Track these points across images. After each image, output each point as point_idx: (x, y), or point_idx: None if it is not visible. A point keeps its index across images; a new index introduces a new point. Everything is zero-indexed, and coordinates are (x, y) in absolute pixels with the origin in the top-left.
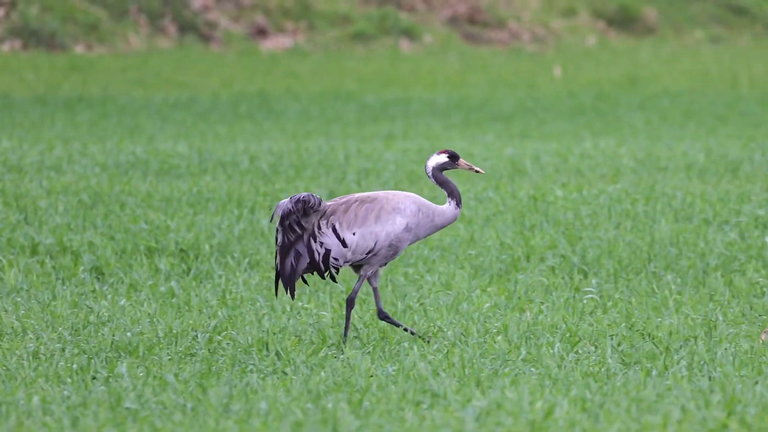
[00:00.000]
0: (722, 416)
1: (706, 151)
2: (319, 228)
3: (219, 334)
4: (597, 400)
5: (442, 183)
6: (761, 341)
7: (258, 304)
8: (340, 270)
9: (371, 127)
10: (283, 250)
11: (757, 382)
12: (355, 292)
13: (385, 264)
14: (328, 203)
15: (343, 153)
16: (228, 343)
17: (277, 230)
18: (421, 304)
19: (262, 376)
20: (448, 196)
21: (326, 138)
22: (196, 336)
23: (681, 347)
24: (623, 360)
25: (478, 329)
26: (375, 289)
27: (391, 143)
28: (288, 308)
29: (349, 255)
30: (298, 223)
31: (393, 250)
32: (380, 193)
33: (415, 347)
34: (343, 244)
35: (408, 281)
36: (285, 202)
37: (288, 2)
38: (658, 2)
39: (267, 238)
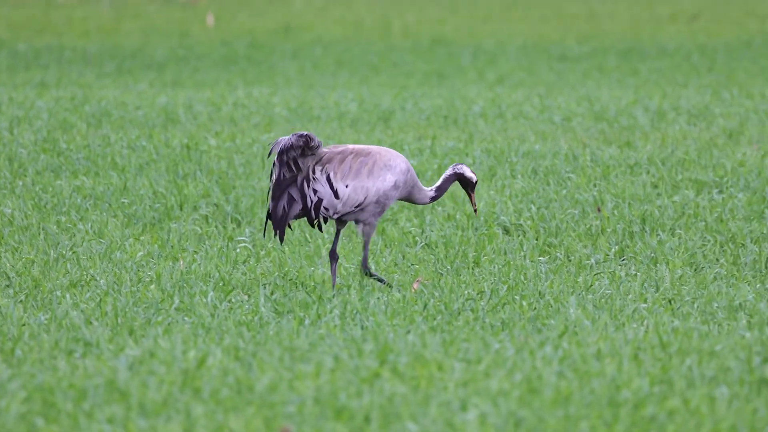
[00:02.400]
0: (375, 365)
1: (359, 101)
2: (314, 173)
3: None
4: (250, 349)
5: (446, 182)
6: (413, 290)
7: None
8: (329, 220)
9: (23, 75)
10: (277, 186)
11: (409, 331)
12: (365, 258)
13: (376, 222)
14: (325, 150)
15: None
16: None
17: (273, 165)
18: (74, 252)
19: None
20: (438, 184)
21: None
22: None
23: (334, 296)
24: (276, 309)
25: (131, 278)
26: (338, 233)
27: (44, 92)
28: None
29: (339, 207)
30: (295, 160)
31: (380, 207)
32: (374, 148)
33: (68, 296)
34: (336, 195)
35: (60, 229)
36: (286, 137)
37: None
38: None
39: None
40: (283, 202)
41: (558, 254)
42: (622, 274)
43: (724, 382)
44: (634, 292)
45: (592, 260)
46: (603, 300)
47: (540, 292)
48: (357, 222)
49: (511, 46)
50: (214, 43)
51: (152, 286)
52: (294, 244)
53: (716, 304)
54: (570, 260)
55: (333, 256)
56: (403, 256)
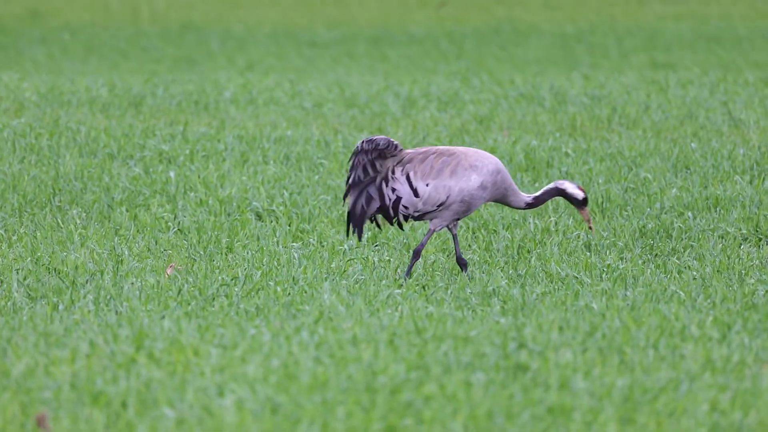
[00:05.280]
0: (131, 350)
1: (109, 86)
2: (393, 173)
3: None
4: (5, 335)
5: (546, 194)
6: (167, 275)
7: None
8: (409, 219)
9: None
10: (353, 187)
11: (164, 317)
12: (422, 244)
13: (459, 219)
14: (408, 151)
15: None
16: None
17: (350, 167)
18: None
19: None
20: (537, 194)
21: None
22: None
23: (87, 281)
24: (29, 294)
25: None
26: (455, 236)
27: None
28: None
29: (420, 205)
30: (372, 164)
31: (465, 206)
32: (460, 149)
33: None
34: (415, 193)
35: None
36: (360, 142)
37: None
38: None
39: None
40: (362, 200)
41: (311, 240)
42: (376, 259)
43: (479, 367)
44: (388, 278)
45: (346, 246)
46: (357, 286)
47: (294, 278)
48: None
49: (261, 32)
50: None
51: None
52: (46, 230)
53: (470, 290)
54: (323, 246)
55: (460, 261)
56: (156, 242)
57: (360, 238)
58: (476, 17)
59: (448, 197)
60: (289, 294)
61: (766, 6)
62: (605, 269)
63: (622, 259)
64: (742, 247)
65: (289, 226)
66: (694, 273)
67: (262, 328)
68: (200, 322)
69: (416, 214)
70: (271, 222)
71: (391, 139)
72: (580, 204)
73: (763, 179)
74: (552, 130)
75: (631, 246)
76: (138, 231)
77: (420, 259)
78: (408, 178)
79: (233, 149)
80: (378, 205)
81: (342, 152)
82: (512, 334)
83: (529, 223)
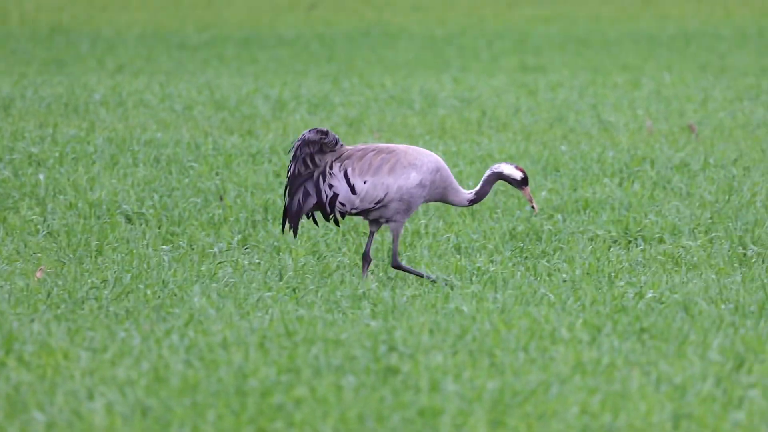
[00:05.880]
0: (0, 354)
1: None
2: (331, 169)
3: None
4: None
5: (488, 183)
6: (36, 278)
7: None
8: (346, 215)
9: None
10: (292, 181)
11: (33, 320)
12: (395, 252)
13: (404, 219)
14: (348, 147)
15: None
16: None
17: (290, 161)
18: None
19: None
20: (477, 188)
21: None
22: None
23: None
24: None
25: None
26: (371, 234)
27: None
28: None
29: (357, 202)
30: (311, 157)
31: (405, 204)
32: (401, 147)
33: None
34: (353, 190)
35: None
36: (305, 132)
37: None
38: None
39: None
40: (299, 196)
41: (181, 243)
42: (246, 262)
43: (350, 370)
44: (258, 281)
45: (216, 249)
46: (227, 289)
47: (164, 281)
48: (384, 220)
49: (130, 35)
50: None
51: None
52: None
53: (340, 293)
54: (193, 249)
55: (366, 258)
56: (25, 245)
57: (295, 234)
58: (346, 20)
59: (386, 195)
60: (159, 297)
61: (635, 8)
62: (475, 272)
63: (492, 261)
64: (611, 249)
65: (159, 229)
66: (564, 275)
67: (132, 331)
68: (70, 325)
69: (354, 211)
70: (141, 225)
71: (334, 134)
72: (520, 184)
73: (633, 182)
74: (422, 133)
75: (501, 248)
76: (7, 234)
77: (289, 261)
78: (346, 174)
79: (103, 152)
80: (315, 201)
81: (212, 154)
82: (383, 337)
83: None
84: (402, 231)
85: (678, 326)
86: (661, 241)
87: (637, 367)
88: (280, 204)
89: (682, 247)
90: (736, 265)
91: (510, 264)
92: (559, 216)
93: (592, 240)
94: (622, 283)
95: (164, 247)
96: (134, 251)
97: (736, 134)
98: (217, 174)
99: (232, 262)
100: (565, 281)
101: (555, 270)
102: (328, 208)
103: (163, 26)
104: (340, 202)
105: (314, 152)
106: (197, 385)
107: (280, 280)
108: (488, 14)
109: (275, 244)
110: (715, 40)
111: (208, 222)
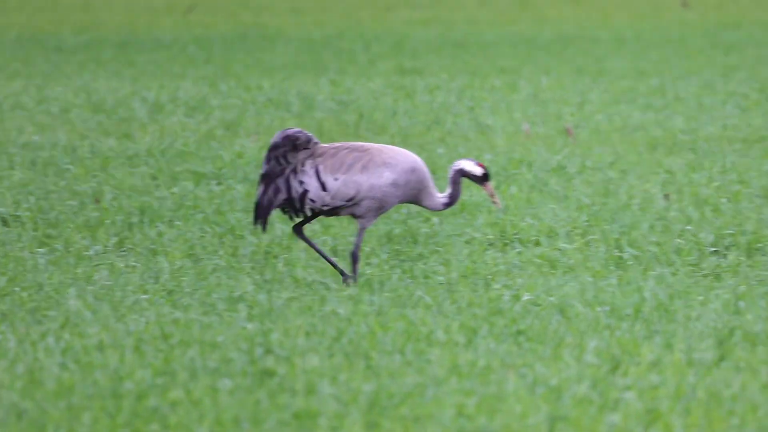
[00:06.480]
0: None
1: None
2: (303, 165)
3: None
4: None
5: (455, 184)
6: None
7: None
8: (315, 212)
9: None
10: (264, 178)
11: None
12: (357, 246)
13: (375, 217)
14: (323, 145)
15: None
16: None
17: (264, 159)
18: None
19: None
20: (449, 190)
21: None
22: None
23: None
24: None
25: None
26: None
27: None
28: None
29: (327, 199)
30: (284, 156)
31: (377, 203)
32: (376, 146)
33: None
34: (323, 187)
35: None
36: (277, 134)
37: None
38: None
39: None
40: (270, 191)
41: (57, 246)
42: (122, 265)
43: (226, 373)
44: (134, 284)
45: (92, 251)
46: (103, 291)
47: (40, 284)
48: (354, 216)
49: (6, 37)
50: None
51: None
52: None
53: (216, 296)
54: (69, 251)
55: (354, 257)
56: None
57: (264, 229)
58: (224, 23)
59: (357, 192)
60: (35, 300)
61: (513, 12)
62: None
63: (368, 264)
64: (488, 252)
65: (35, 231)
66: (441, 278)
67: (8, 333)
68: None
69: (325, 209)
70: (17, 228)
71: (307, 133)
72: (481, 180)
73: (510, 184)
74: None
75: (377, 251)
76: None
77: (166, 264)
78: (317, 171)
79: None
80: (285, 197)
81: (88, 157)
82: (259, 339)
83: (276, 228)
84: (369, 226)
85: (554, 329)
86: (537, 244)
87: (513, 369)
88: (157, 206)
89: (559, 249)
90: (612, 267)
91: (386, 267)
92: (436, 219)
93: (468, 243)
94: (498, 286)
95: (40, 249)
96: (10, 254)
97: (613, 137)
98: (93, 176)
99: (108, 264)
100: (441, 284)
101: (431, 273)
102: (298, 204)
103: (40, 29)
104: (310, 199)
105: (288, 151)
106: (73, 387)
107: (156, 282)
108: (366, 17)
109: (151, 246)
110: (593, 43)
111: (85, 225)
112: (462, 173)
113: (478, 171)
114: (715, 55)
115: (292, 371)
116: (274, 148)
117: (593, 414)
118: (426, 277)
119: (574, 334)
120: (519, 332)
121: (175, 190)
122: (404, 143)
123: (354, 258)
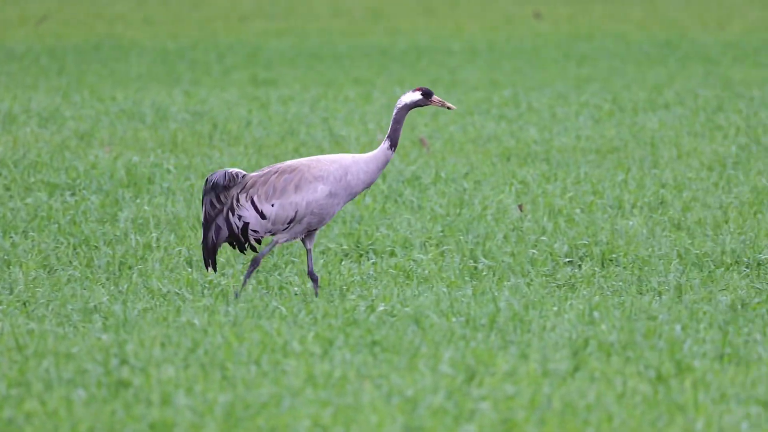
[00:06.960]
0: None
1: None
2: (238, 201)
3: None
4: None
5: (397, 122)
6: None
7: None
8: (263, 240)
9: None
10: (205, 223)
11: None
12: (262, 254)
13: (316, 229)
14: (252, 175)
15: None
16: None
17: (202, 202)
18: None
19: None
20: (387, 136)
21: None
22: None
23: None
24: None
25: None
26: (309, 251)
27: None
28: None
29: (269, 226)
30: (217, 198)
31: (317, 217)
32: (303, 161)
33: None
34: (262, 216)
35: None
36: (216, 175)
37: None
38: None
39: None
40: (212, 232)
41: None
42: None
43: (81, 384)
44: None
45: None
46: None
47: None
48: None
49: None
50: None
51: None
52: None
53: (71, 307)
54: None
55: (311, 276)
56: None
57: (215, 269)
58: (77, 33)
59: (296, 212)
60: None
61: (366, 23)
62: (207, 285)
63: (224, 275)
64: (343, 262)
65: None
66: (296, 289)
67: None
68: None
69: (269, 235)
70: None
71: (231, 171)
72: (425, 101)
73: (364, 195)
74: (153, 147)
75: (233, 262)
76: None
77: (20, 274)
78: (252, 202)
79: None
80: (227, 234)
81: None
82: (114, 350)
83: (131, 239)
84: (285, 242)
85: (409, 339)
86: (392, 254)
87: (369, 379)
88: (11, 217)
89: (414, 260)
90: (467, 278)
91: (242, 277)
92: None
93: (323, 253)
94: (353, 297)
95: None
96: None
97: (467, 148)
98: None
99: None
100: (297, 294)
101: (287, 283)
102: (242, 238)
103: None
104: (252, 230)
105: (219, 192)
106: None
107: (11, 293)
108: (220, 28)
109: (5, 257)
110: (446, 55)
111: None
112: (407, 107)
113: (417, 96)
114: (568, 66)
115: (147, 382)
116: (214, 187)
117: (449, 424)
118: (281, 287)
119: (430, 344)
120: (374, 343)
121: (29, 200)
122: (258, 154)
123: (254, 262)
